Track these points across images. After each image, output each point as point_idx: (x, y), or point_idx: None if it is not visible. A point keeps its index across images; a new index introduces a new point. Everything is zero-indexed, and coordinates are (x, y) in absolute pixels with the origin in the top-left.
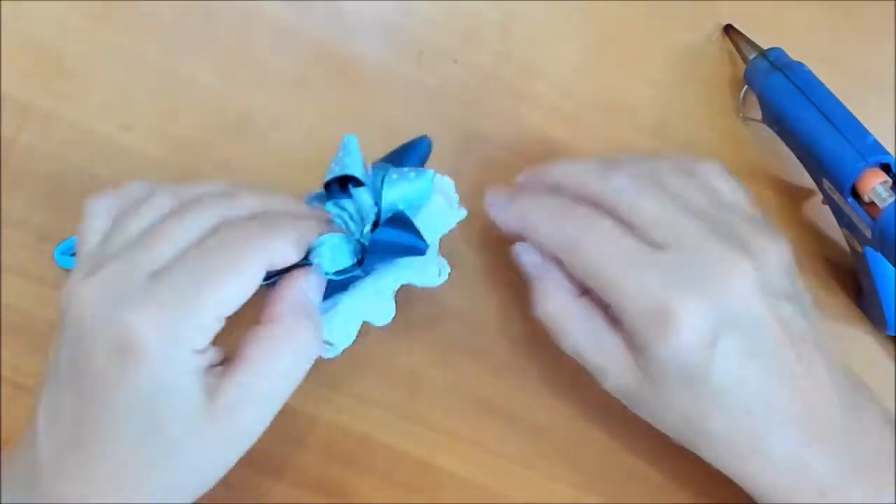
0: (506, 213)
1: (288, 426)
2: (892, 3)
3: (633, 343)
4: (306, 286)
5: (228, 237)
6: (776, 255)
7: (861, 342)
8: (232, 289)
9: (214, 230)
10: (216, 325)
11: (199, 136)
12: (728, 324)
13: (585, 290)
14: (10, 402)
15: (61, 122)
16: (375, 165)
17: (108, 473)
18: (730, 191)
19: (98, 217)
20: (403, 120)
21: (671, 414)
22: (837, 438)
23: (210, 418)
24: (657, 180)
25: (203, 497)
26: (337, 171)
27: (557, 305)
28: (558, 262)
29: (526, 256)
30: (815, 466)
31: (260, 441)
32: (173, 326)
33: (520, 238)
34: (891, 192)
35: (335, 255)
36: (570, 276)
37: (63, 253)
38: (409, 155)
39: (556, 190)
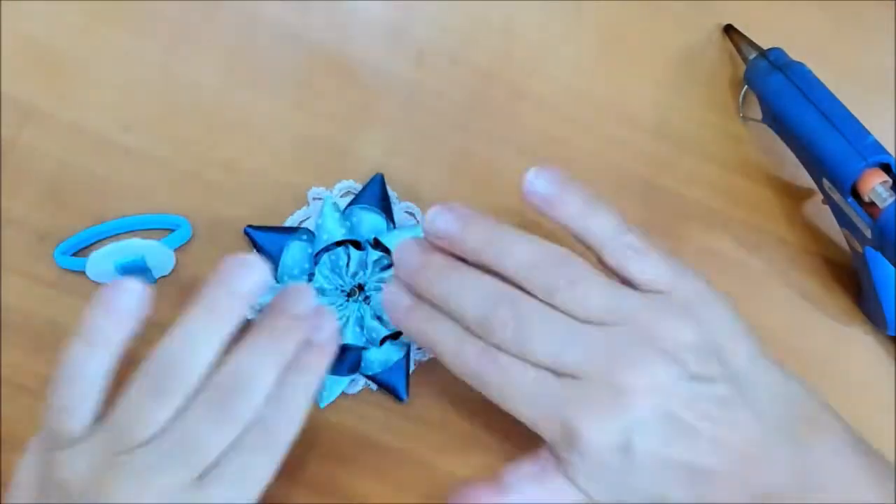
0: (405, 321)
1: None
2: (892, 3)
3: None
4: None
5: (271, 429)
6: (684, 333)
7: (861, 342)
8: (271, 475)
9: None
10: None
11: (199, 136)
12: (636, 427)
13: None
14: (10, 402)
15: (61, 122)
16: (349, 210)
17: None
18: (638, 258)
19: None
20: (403, 120)
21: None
22: (787, 480)
23: None
24: (551, 291)
25: None
26: (326, 240)
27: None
28: None
29: None
30: None
31: None
32: None
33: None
34: (891, 192)
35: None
36: None
37: (63, 253)
38: (369, 192)
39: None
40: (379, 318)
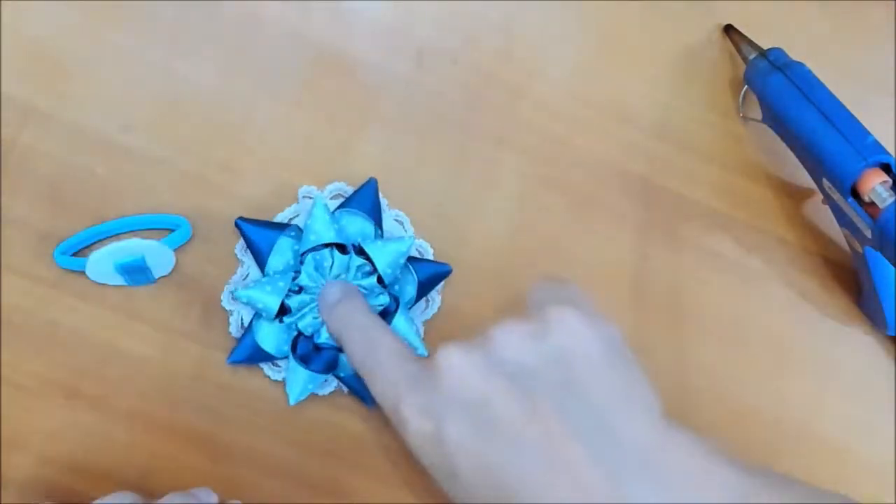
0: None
1: (288, 426)
2: (892, 3)
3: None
4: None
5: None
6: (506, 333)
7: (861, 342)
8: None
9: None
10: None
11: (199, 136)
12: (446, 409)
13: None
14: (10, 402)
15: (61, 122)
16: (339, 213)
17: None
18: None
19: None
20: (403, 120)
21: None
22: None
23: None
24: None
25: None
26: (313, 241)
27: None
28: None
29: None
30: None
31: (260, 441)
32: None
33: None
34: (891, 192)
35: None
36: None
37: (63, 253)
38: (361, 197)
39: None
40: None
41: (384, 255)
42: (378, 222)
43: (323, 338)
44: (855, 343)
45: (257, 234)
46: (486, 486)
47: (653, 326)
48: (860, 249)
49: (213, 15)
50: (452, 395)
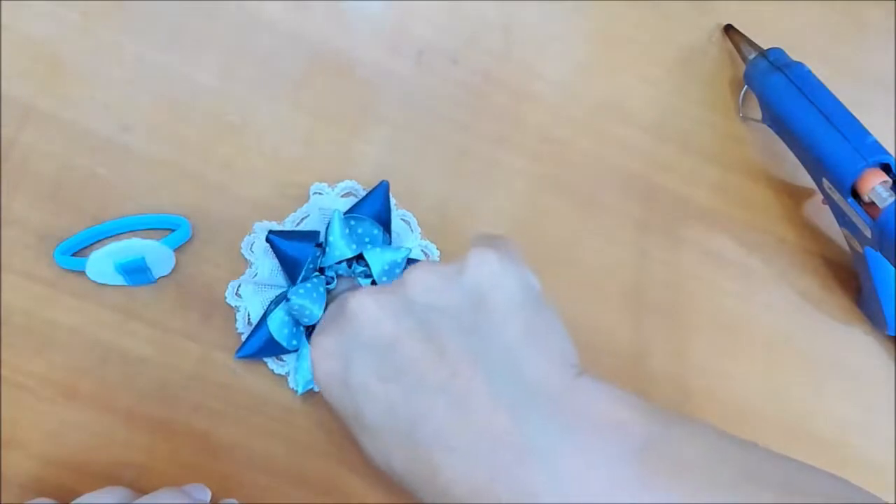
0: None
1: (288, 426)
2: (893, 3)
3: None
4: None
5: None
6: (421, 275)
7: (861, 342)
8: None
9: None
10: None
11: (199, 136)
12: (354, 350)
13: None
14: (10, 402)
15: (61, 122)
16: (353, 220)
17: None
18: None
19: None
20: (403, 120)
21: (371, 462)
22: (510, 450)
23: None
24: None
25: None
26: (338, 256)
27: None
28: None
29: None
30: (498, 486)
31: (259, 441)
32: None
33: None
34: (891, 192)
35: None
36: None
37: (63, 253)
38: (373, 199)
39: None
40: None
41: (380, 263)
42: (387, 226)
43: None
44: (855, 343)
45: (291, 248)
46: (390, 427)
47: (653, 326)
48: (860, 249)
49: (213, 15)
50: (360, 337)
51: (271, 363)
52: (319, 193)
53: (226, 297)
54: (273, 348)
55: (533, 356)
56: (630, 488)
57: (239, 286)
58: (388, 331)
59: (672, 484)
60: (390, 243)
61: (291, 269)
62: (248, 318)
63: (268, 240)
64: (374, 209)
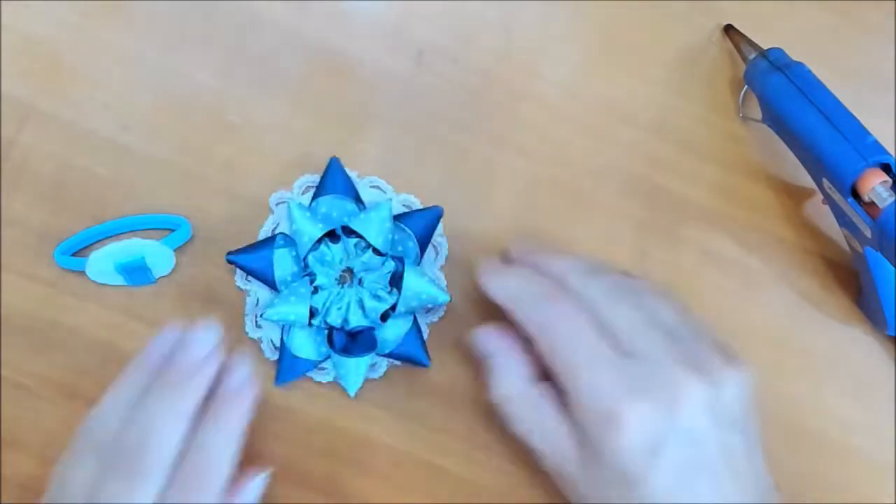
0: (496, 283)
1: (288, 426)
2: (893, 3)
3: (581, 435)
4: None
5: (196, 473)
6: (735, 384)
7: (861, 342)
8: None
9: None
10: None
11: (199, 136)
12: (673, 436)
13: (542, 375)
14: (10, 402)
15: (61, 122)
16: (316, 203)
17: None
18: (699, 320)
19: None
20: (403, 120)
21: (596, 498)
22: None
23: None
24: (634, 292)
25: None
26: (307, 243)
27: (510, 392)
28: (523, 343)
29: (483, 341)
30: None
31: (260, 441)
32: None
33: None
34: (891, 192)
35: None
36: (527, 362)
37: (63, 253)
38: (330, 179)
39: (542, 274)
40: (376, 297)
41: (370, 226)
42: (356, 197)
43: (353, 323)
44: (855, 343)
45: (251, 260)
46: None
47: None
48: (860, 249)
49: (213, 15)
50: (682, 423)
51: (316, 376)
52: (282, 202)
53: (247, 332)
54: (306, 365)
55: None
56: None
57: (256, 316)
58: (707, 435)
59: None
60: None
61: (264, 278)
62: (273, 344)
63: (228, 261)
64: (337, 188)
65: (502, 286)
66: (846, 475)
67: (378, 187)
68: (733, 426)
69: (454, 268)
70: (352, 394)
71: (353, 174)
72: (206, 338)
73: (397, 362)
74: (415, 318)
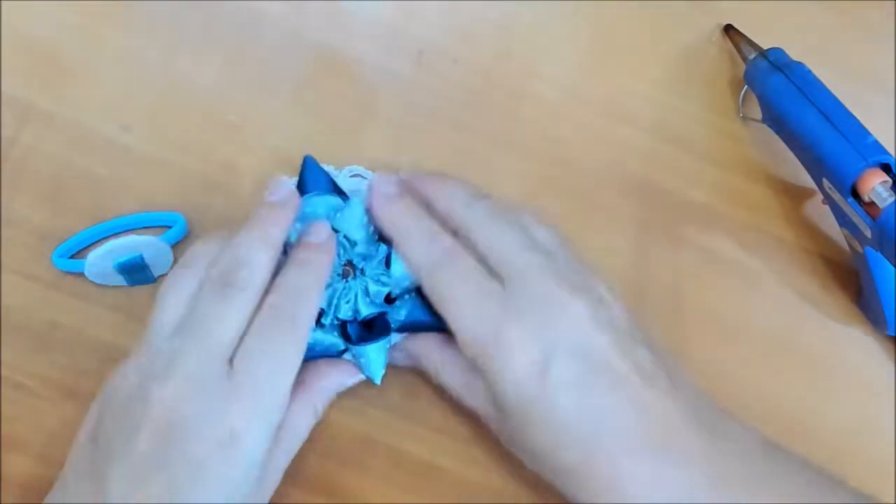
0: (387, 209)
1: None
2: (893, 3)
3: (481, 377)
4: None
5: (281, 309)
6: (620, 303)
7: (861, 342)
8: (298, 359)
9: (265, 295)
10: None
11: (199, 136)
12: (560, 351)
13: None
14: (10, 402)
15: (61, 122)
16: (303, 202)
17: None
18: (582, 256)
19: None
20: (403, 119)
21: (527, 451)
22: (696, 461)
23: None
24: (516, 217)
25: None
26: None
27: (426, 346)
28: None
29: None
30: (672, 491)
31: None
32: (266, 415)
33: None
34: (891, 192)
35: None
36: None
37: (62, 255)
38: (309, 178)
39: (427, 203)
40: (379, 281)
41: (348, 223)
42: (338, 190)
43: (364, 312)
44: (855, 343)
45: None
46: (570, 424)
47: (653, 326)
48: (860, 249)
49: (213, 14)
50: (567, 337)
51: None
52: (362, 177)
53: None
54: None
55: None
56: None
57: None
58: (598, 344)
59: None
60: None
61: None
62: None
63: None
64: (319, 185)
65: (391, 214)
66: (846, 475)
67: (359, 175)
68: (629, 336)
69: None
70: (377, 381)
71: (329, 167)
72: (284, 182)
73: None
74: (418, 289)
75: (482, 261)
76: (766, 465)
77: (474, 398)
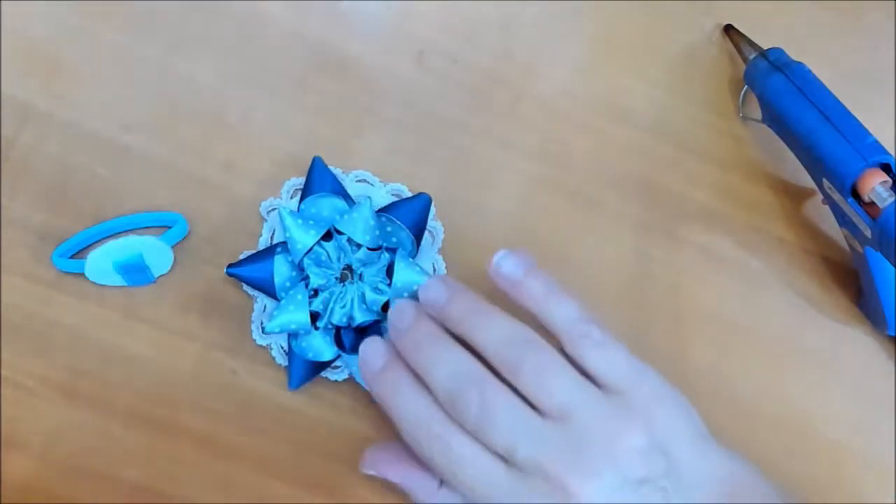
0: (376, 380)
1: (288, 426)
2: (893, 3)
3: None
4: None
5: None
6: (637, 438)
7: (861, 342)
8: None
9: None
10: None
11: (199, 136)
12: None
13: None
14: (10, 402)
15: (61, 122)
16: (304, 205)
17: None
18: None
19: None
20: (403, 120)
21: None
22: None
23: None
24: (516, 377)
25: (202, 497)
26: (301, 249)
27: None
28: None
29: (382, 472)
30: None
31: (260, 441)
32: None
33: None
34: (891, 192)
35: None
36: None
37: (62, 255)
38: (316, 179)
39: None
40: (377, 290)
41: (354, 226)
42: (344, 193)
43: (358, 319)
44: (855, 343)
45: (251, 271)
46: None
47: (653, 326)
48: (860, 249)
49: (213, 15)
50: (626, 478)
51: (330, 375)
52: (273, 209)
53: (254, 339)
54: (319, 366)
55: None
56: None
57: (262, 322)
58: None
59: None
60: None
61: (266, 289)
62: (283, 349)
63: (228, 274)
64: (324, 187)
65: (382, 392)
66: (846, 475)
67: (365, 180)
68: (643, 484)
69: (452, 268)
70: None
71: (337, 171)
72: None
73: None
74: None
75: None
76: None
77: None
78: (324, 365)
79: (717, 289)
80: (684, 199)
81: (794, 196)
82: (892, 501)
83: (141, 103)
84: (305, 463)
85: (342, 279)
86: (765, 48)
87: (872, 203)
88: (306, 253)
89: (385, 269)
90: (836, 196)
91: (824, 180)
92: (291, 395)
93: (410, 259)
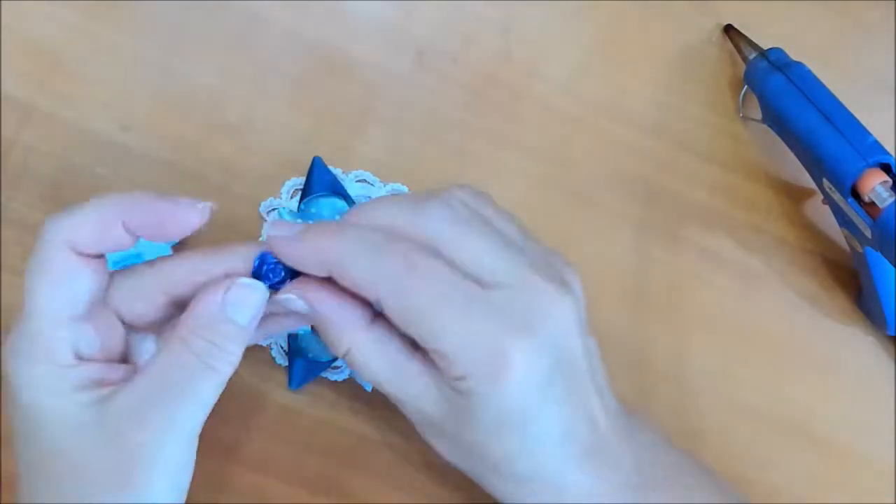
0: (300, 247)
1: (288, 426)
2: (893, 3)
3: (454, 385)
4: (225, 301)
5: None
6: (580, 287)
7: (861, 342)
8: (57, 290)
9: None
10: (64, 332)
11: (199, 136)
12: (557, 364)
13: (377, 314)
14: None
15: (61, 122)
16: (304, 205)
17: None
18: (520, 222)
19: None
20: (403, 119)
21: (472, 452)
22: (625, 468)
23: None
24: (478, 215)
25: (201, 497)
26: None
27: (353, 342)
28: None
29: (300, 302)
30: (605, 494)
31: (260, 441)
32: (20, 348)
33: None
34: (891, 192)
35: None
36: (358, 304)
37: None
38: (316, 179)
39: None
40: None
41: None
42: (343, 194)
43: None
44: (855, 343)
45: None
46: (542, 437)
47: (653, 326)
48: (860, 249)
49: (213, 15)
50: (557, 344)
51: (331, 375)
52: (274, 209)
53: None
54: (319, 366)
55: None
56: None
57: None
58: (576, 352)
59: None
60: None
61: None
62: (282, 349)
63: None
64: (325, 186)
65: (311, 247)
66: (846, 475)
67: (365, 180)
68: (588, 334)
69: None
70: (369, 387)
71: (337, 171)
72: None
73: None
74: None
75: (454, 265)
76: (678, 469)
77: (408, 392)
78: (324, 365)
79: (717, 289)
80: (684, 199)
81: (794, 196)
82: (893, 501)
83: (141, 103)
84: (305, 463)
85: None
86: (765, 48)
87: (872, 203)
88: None
89: None
90: (836, 196)
91: (824, 180)
92: (291, 395)
93: None
